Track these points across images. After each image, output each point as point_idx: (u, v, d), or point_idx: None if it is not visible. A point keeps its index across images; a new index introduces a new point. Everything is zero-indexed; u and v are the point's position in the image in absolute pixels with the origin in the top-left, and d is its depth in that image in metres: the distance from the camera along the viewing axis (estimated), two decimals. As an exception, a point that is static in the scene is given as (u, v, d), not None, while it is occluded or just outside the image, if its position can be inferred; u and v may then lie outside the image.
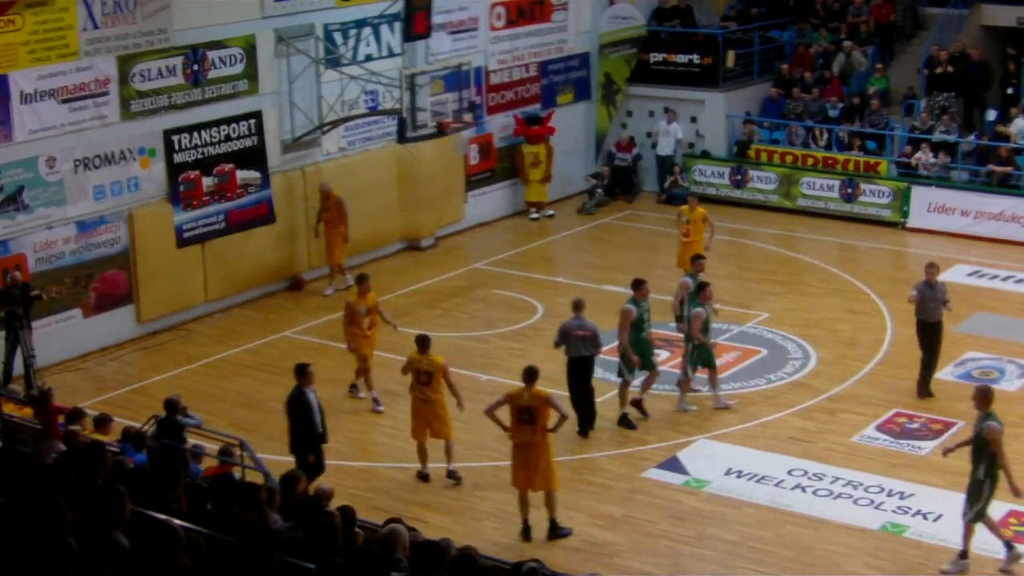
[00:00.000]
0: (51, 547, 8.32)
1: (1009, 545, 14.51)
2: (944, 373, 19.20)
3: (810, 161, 28.19)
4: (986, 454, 14.01)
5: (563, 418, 15.11)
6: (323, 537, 9.89)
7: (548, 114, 28.51)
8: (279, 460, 15.85)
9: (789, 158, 28.42)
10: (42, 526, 8.70)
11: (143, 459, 14.29)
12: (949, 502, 15.73)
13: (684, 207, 22.88)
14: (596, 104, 29.90)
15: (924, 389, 18.55)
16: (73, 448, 13.23)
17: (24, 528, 8.38)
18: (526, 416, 14.95)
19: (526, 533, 15.15)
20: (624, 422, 17.85)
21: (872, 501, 15.86)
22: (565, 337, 17.60)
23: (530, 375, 15.12)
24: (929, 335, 18.60)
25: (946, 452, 15.40)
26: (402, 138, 23.52)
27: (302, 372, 15.56)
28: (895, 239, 26.26)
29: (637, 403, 18.15)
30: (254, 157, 23.00)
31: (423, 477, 16.41)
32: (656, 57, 30.03)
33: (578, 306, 17.77)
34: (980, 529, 14.53)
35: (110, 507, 9.13)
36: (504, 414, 15.20)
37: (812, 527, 15.34)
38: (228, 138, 22.61)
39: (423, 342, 16.44)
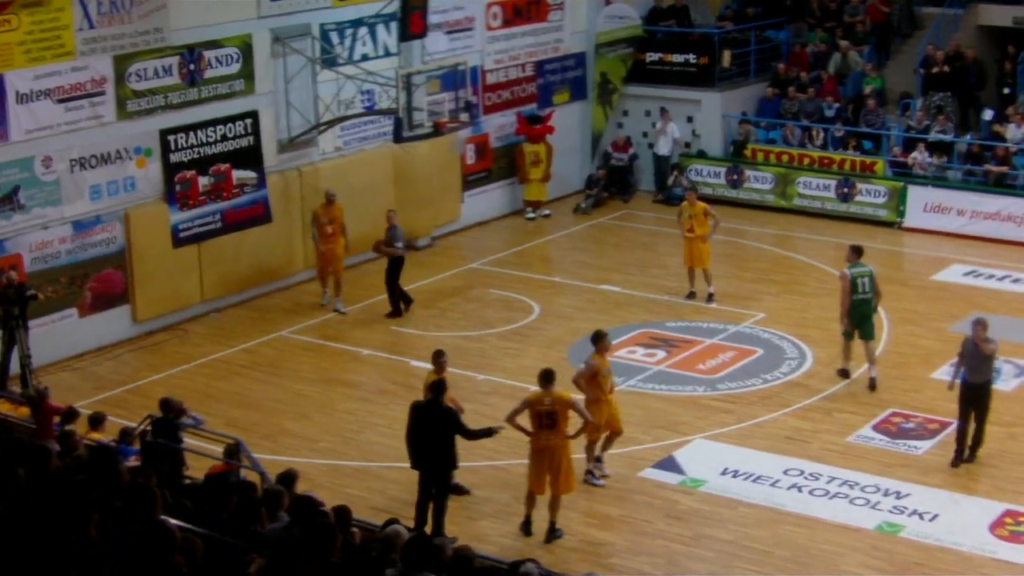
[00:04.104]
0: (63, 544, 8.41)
1: None
2: (941, 373, 19.19)
3: (806, 161, 28.21)
4: None
5: (587, 424, 14.96)
6: (319, 537, 9.87)
7: (548, 113, 28.53)
8: (275, 460, 15.85)
9: (785, 158, 28.43)
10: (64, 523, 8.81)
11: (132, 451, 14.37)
12: (945, 502, 15.77)
13: (684, 203, 22.89)
14: (592, 104, 29.90)
15: (966, 456, 16.64)
16: (70, 449, 13.23)
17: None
18: (547, 421, 14.77)
19: (526, 527, 15.15)
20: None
21: (868, 501, 15.86)
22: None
23: (548, 378, 14.88)
24: (975, 398, 16.64)
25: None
26: (398, 138, 23.49)
27: (437, 388, 14.95)
28: (891, 239, 26.26)
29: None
30: (250, 157, 22.98)
31: None
32: (652, 57, 30.02)
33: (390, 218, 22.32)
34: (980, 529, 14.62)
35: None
36: (523, 419, 15.04)
37: (808, 527, 15.34)
38: (224, 138, 22.59)
39: None
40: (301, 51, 23.50)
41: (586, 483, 16.20)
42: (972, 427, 16.68)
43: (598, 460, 16.45)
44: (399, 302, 22.38)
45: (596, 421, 15.96)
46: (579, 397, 15.66)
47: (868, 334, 19.10)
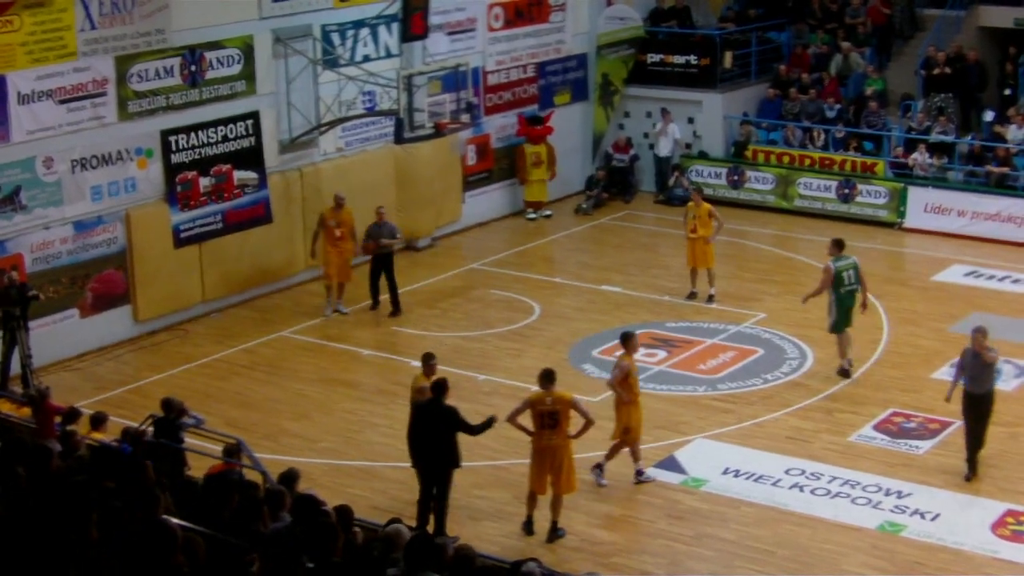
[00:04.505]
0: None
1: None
2: (941, 373, 19.20)
3: (807, 162, 28.21)
4: None
5: (589, 423, 14.90)
6: (320, 537, 9.89)
7: (548, 114, 28.54)
8: (276, 460, 15.86)
9: (786, 159, 28.43)
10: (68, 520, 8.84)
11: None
12: (946, 501, 15.77)
13: (690, 203, 22.91)
14: (593, 105, 29.90)
15: (973, 469, 16.37)
16: (71, 449, 13.24)
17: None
18: (549, 420, 14.76)
19: (528, 527, 15.16)
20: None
21: (869, 500, 15.86)
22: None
23: (548, 378, 14.88)
24: (977, 408, 16.34)
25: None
26: (399, 139, 23.51)
27: (440, 388, 14.89)
28: (892, 239, 26.27)
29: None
30: (251, 158, 22.99)
31: None
32: (653, 58, 30.02)
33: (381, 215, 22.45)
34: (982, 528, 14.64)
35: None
36: (524, 418, 15.04)
37: (809, 526, 15.35)
38: (225, 139, 22.60)
39: None
40: (302, 52, 23.51)
41: (594, 478, 16.20)
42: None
43: (639, 472, 16.38)
44: (398, 297, 22.47)
45: (625, 423, 16.03)
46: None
47: (849, 323, 19.41)
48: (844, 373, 19.36)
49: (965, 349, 16.48)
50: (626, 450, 16.39)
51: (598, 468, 16.31)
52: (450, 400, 15.13)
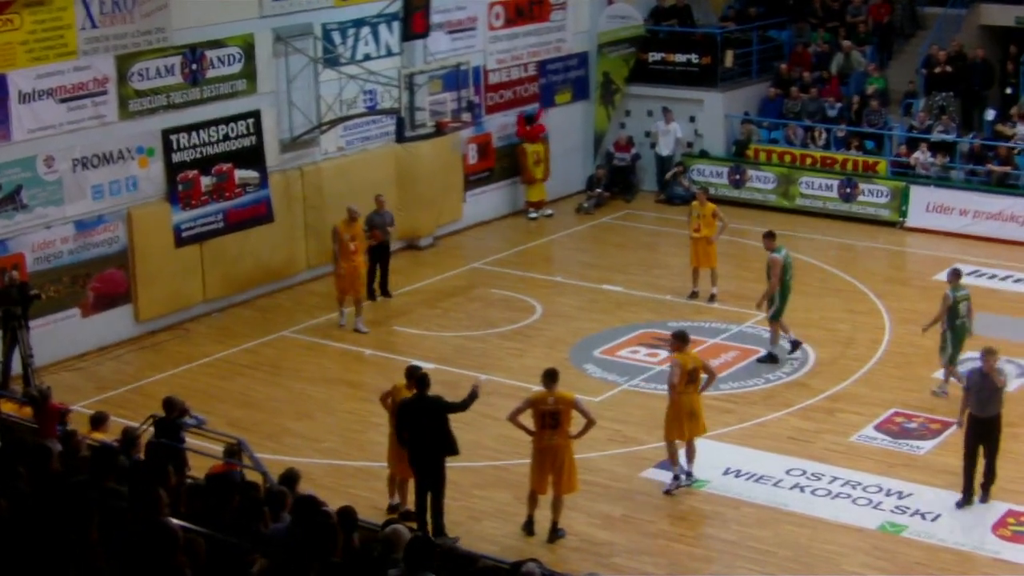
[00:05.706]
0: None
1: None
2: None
3: (808, 161, 28.20)
4: None
5: (591, 423, 14.84)
6: (320, 537, 9.88)
7: (538, 112, 28.52)
8: (278, 460, 15.85)
9: (787, 158, 28.42)
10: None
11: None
12: (947, 502, 15.76)
13: (695, 203, 22.89)
14: (595, 104, 29.89)
15: (980, 497, 15.68)
16: (73, 449, 13.22)
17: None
18: (551, 420, 14.73)
19: (529, 527, 15.15)
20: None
21: (870, 501, 15.86)
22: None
23: (552, 377, 14.85)
24: (983, 433, 15.50)
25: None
26: (400, 138, 23.51)
27: (423, 381, 14.83)
28: (894, 239, 26.25)
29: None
30: (252, 156, 22.99)
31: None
32: (654, 57, 30.01)
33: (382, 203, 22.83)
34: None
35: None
36: (525, 418, 15.02)
37: (810, 527, 15.34)
38: (226, 137, 22.60)
39: None
40: (303, 51, 23.51)
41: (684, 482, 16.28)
42: (981, 463, 15.79)
43: (688, 474, 16.31)
44: (380, 287, 23.06)
45: (672, 435, 16.08)
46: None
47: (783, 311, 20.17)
48: (796, 344, 20.19)
49: (972, 370, 16.06)
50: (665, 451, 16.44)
51: (688, 475, 16.25)
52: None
